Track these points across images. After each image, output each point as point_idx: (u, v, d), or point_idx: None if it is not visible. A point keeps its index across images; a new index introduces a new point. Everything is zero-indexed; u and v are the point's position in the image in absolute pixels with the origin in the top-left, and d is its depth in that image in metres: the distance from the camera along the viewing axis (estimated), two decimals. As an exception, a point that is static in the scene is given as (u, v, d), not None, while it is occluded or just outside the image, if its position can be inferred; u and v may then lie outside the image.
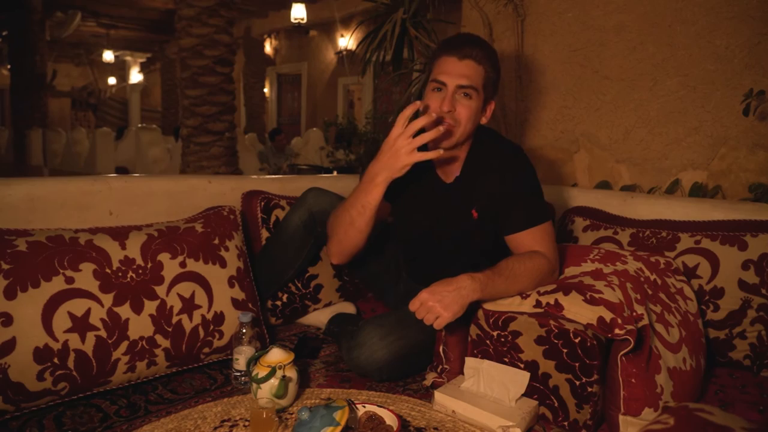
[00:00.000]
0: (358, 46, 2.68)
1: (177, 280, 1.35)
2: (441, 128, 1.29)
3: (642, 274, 1.37)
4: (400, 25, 2.43)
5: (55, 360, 1.16)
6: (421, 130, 1.30)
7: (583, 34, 2.21)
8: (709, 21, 1.91)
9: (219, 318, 1.40)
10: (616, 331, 1.13)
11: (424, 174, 1.49)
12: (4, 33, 10.60)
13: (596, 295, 1.19)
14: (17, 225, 1.29)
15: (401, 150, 1.29)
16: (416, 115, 1.32)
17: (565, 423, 1.18)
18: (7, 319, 1.13)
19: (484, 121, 1.44)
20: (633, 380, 1.14)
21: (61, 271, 1.21)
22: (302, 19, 8.45)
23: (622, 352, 1.14)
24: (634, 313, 1.19)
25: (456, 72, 1.35)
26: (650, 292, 1.32)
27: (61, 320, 1.18)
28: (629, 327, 1.13)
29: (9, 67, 10.37)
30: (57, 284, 1.20)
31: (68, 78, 14.66)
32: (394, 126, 1.30)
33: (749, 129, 1.86)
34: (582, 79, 2.23)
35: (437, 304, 1.21)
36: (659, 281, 1.38)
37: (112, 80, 14.78)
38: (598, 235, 1.77)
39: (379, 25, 2.52)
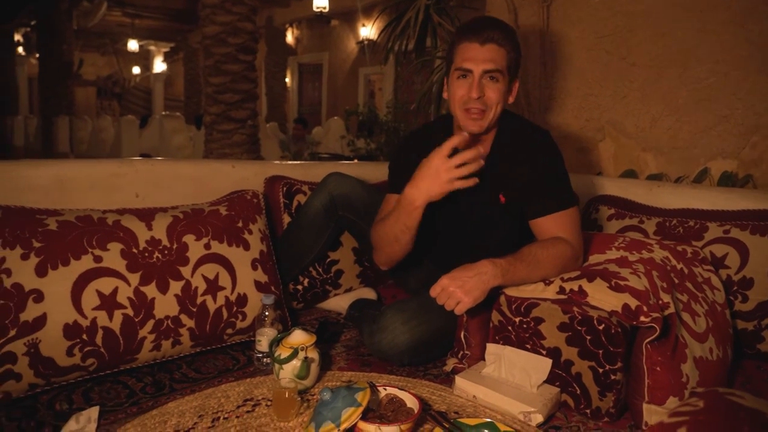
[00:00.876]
0: (380, 34, 2.67)
1: (201, 261, 1.37)
2: (480, 158, 1.30)
3: (668, 263, 1.34)
4: (424, 12, 2.41)
5: (84, 336, 1.19)
6: (456, 150, 1.31)
7: (611, 19, 2.17)
8: (742, 5, 1.86)
9: (242, 300, 1.42)
10: (642, 318, 1.12)
11: None
12: (32, 22, 10.80)
13: (621, 282, 1.18)
14: (47, 205, 1.32)
15: (443, 178, 1.29)
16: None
17: (588, 411, 1.18)
18: (38, 296, 1.16)
19: (510, 100, 1.43)
20: (658, 368, 1.12)
21: (90, 250, 1.24)
22: (324, 8, 8.43)
23: (647, 340, 1.12)
24: (660, 301, 1.17)
25: (480, 57, 1.34)
26: (677, 281, 1.30)
27: (89, 298, 1.21)
28: (655, 315, 1.11)
29: (37, 56, 10.58)
30: (86, 263, 1.22)
31: (94, 67, 14.91)
32: (437, 153, 1.29)
33: (783, 117, 1.81)
34: (609, 66, 2.19)
35: (458, 289, 1.21)
36: (686, 270, 1.36)
37: (136, 69, 14.98)
38: (624, 224, 1.74)
39: (401, 12, 2.50)
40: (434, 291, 1.24)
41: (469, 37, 1.35)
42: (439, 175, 1.29)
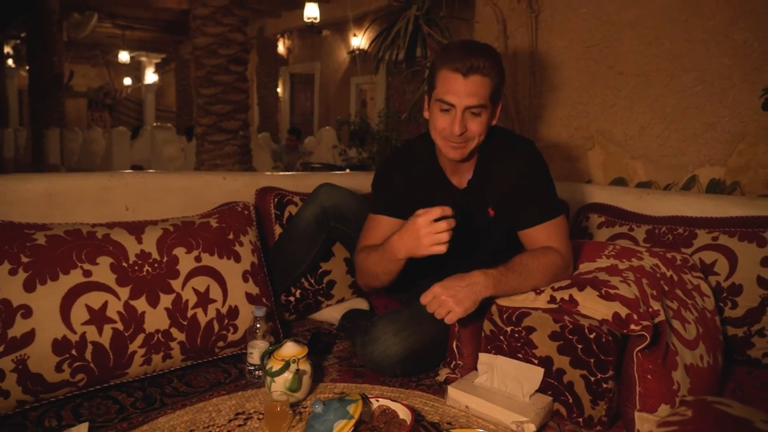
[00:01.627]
0: (370, 44, 2.68)
1: (192, 274, 1.36)
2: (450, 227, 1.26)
3: (658, 270, 1.35)
4: (413, 23, 2.43)
5: (73, 352, 1.18)
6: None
7: (598, 29, 2.19)
8: (727, 15, 1.89)
9: (233, 312, 1.41)
10: (632, 326, 1.12)
11: (435, 183, 1.49)
12: (22, 34, 10.77)
13: (611, 291, 1.18)
14: (36, 219, 1.31)
15: (424, 242, 1.25)
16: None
17: (580, 419, 1.18)
18: (26, 311, 1.15)
19: (493, 123, 1.41)
20: (649, 376, 1.12)
21: (79, 264, 1.23)
22: (315, 19, 8.47)
23: (638, 348, 1.13)
24: (650, 309, 1.17)
25: (463, 91, 1.29)
26: (666, 288, 1.30)
27: (78, 312, 1.20)
28: (645, 323, 1.12)
29: (27, 68, 10.53)
30: (75, 277, 1.21)
31: (85, 78, 14.87)
32: (426, 216, 1.24)
33: (768, 124, 1.83)
34: (597, 75, 2.21)
35: (450, 298, 1.21)
36: (676, 277, 1.37)
37: (127, 81, 14.95)
38: (614, 231, 1.75)
39: (392, 22, 2.52)
40: (425, 298, 1.24)
41: (453, 66, 1.29)
42: (421, 239, 1.24)
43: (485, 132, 1.37)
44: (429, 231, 1.24)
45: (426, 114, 1.43)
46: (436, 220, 1.23)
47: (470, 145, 1.36)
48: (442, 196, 1.50)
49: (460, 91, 1.30)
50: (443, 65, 1.32)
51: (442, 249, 1.25)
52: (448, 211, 1.24)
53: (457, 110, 1.31)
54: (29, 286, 1.17)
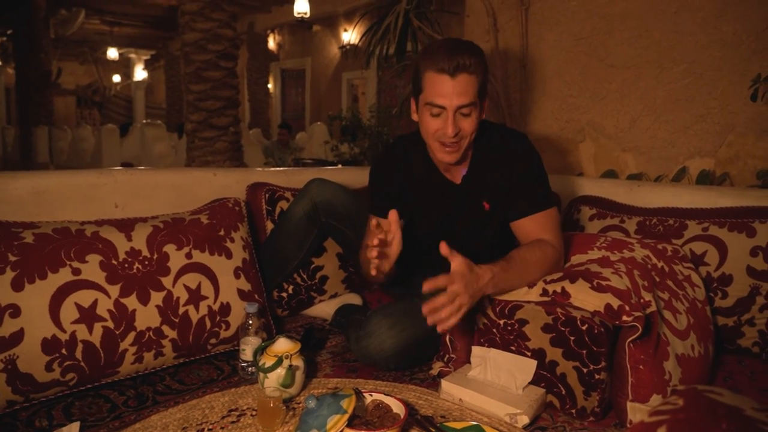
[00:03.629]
0: (361, 39, 2.67)
1: (183, 271, 1.35)
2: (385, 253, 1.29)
3: (649, 262, 1.36)
4: (404, 17, 2.42)
5: (63, 351, 1.17)
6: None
7: (588, 22, 2.19)
8: (716, 6, 1.89)
9: (225, 309, 1.41)
10: (624, 317, 1.13)
11: (430, 180, 1.49)
12: (9, 32, 10.63)
13: (603, 282, 1.18)
14: (24, 218, 1.29)
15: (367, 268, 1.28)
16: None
17: (573, 410, 1.18)
18: (15, 311, 1.14)
19: (483, 117, 1.40)
20: (641, 367, 1.13)
21: (68, 262, 1.22)
22: (305, 14, 8.42)
23: (629, 339, 1.13)
24: (642, 300, 1.18)
25: (453, 92, 1.28)
26: (658, 279, 1.31)
27: (68, 311, 1.18)
28: (637, 314, 1.12)
29: (14, 65, 10.41)
30: (64, 276, 1.20)
31: (73, 76, 14.72)
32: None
33: (757, 115, 1.84)
34: (587, 67, 2.22)
35: (467, 295, 1.14)
36: (666, 268, 1.37)
37: (116, 78, 14.81)
38: (605, 223, 1.76)
39: (382, 16, 2.51)
40: (441, 300, 1.14)
41: (439, 67, 1.27)
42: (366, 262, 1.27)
43: (476, 129, 1.37)
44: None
45: (414, 117, 1.42)
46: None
47: (463, 144, 1.36)
48: (437, 193, 1.50)
49: (449, 92, 1.28)
50: (428, 67, 1.30)
51: (384, 265, 1.30)
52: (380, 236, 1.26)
53: (448, 112, 1.30)
54: (17, 285, 1.15)
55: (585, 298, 1.17)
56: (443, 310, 1.12)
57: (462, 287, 1.13)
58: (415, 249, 1.67)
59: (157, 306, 1.30)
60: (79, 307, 1.20)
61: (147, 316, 1.28)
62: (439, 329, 1.15)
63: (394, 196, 1.47)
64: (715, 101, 1.92)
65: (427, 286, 1.11)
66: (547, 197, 1.41)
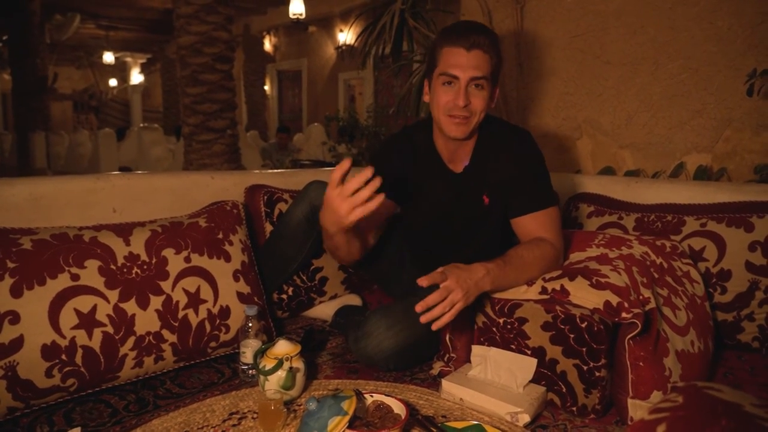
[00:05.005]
0: (356, 39, 2.67)
1: (182, 275, 1.35)
2: (380, 197, 1.16)
3: (648, 258, 1.36)
4: (399, 16, 2.42)
5: (63, 357, 1.17)
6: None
7: (583, 19, 2.20)
8: (711, 1, 1.90)
9: (225, 312, 1.41)
10: (623, 314, 1.13)
11: (432, 167, 1.49)
12: (4, 37, 10.62)
13: (602, 280, 1.19)
14: (21, 224, 1.29)
15: (341, 211, 1.18)
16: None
17: (574, 408, 1.18)
18: (14, 317, 1.13)
19: (492, 106, 1.43)
20: (641, 363, 1.13)
21: (67, 268, 1.22)
22: (301, 15, 8.43)
23: (629, 336, 1.13)
24: (641, 297, 1.18)
25: (467, 64, 1.33)
26: (656, 275, 1.31)
27: (67, 317, 1.18)
28: (636, 310, 1.12)
29: (10, 71, 10.39)
30: (63, 281, 1.20)
31: (69, 81, 14.70)
32: (329, 187, 1.18)
33: (753, 110, 1.85)
34: (583, 65, 2.22)
35: (461, 291, 1.15)
36: (665, 265, 1.37)
37: (113, 82, 14.80)
38: (603, 220, 1.76)
39: (377, 17, 2.51)
40: (436, 297, 1.14)
41: (455, 41, 1.34)
42: (337, 210, 1.18)
43: (485, 110, 1.39)
44: (340, 198, 1.17)
45: (426, 98, 1.45)
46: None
47: (472, 121, 1.38)
48: (438, 181, 1.50)
49: (463, 63, 1.33)
50: (445, 43, 1.36)
51: (362, 210, 1.16)
52: (368, 173, 1.14)
53: (461, 82, 1.34)
54: (16, 292, 1.15)
55: (584, 296, 1.17)
56: (436, 308, 1.13)
57: (454, 282, 1.14)
58: (412, 243, 1.67)
59: (157, 310, 1.29)
60: (78, 312, 1.20)
61: (146, 321, 1.28)
62: (434, 327, 1.15)
63: (394, 178, 1.44)
64: (711, 96, 1.92)
65: (424, 281, 1.13)
66: (548, 195, 1.42)
